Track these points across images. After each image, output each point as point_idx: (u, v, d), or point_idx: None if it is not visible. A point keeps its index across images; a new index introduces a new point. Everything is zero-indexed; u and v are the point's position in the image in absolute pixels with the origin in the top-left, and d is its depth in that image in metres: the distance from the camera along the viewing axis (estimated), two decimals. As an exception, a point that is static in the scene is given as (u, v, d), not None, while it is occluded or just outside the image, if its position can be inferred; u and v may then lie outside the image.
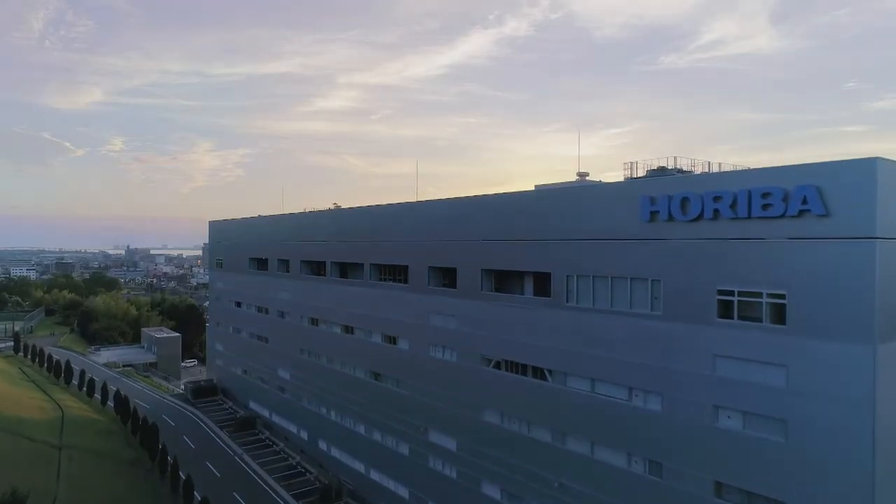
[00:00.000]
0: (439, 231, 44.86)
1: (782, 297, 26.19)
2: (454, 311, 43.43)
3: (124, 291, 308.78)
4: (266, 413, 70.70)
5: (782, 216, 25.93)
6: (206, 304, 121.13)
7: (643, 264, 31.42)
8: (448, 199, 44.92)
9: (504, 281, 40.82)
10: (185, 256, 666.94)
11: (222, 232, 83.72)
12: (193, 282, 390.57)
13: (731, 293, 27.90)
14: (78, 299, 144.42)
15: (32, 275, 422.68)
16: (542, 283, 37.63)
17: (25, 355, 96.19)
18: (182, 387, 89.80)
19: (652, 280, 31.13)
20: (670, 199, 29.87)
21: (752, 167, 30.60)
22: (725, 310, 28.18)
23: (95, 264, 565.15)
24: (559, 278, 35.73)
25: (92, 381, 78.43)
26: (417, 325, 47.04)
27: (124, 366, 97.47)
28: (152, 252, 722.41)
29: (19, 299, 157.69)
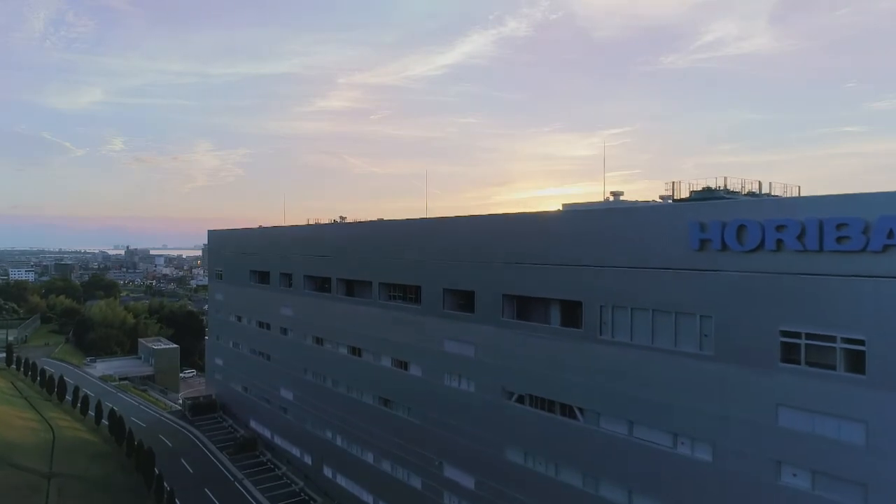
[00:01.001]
0: (456, 251, 41.56)
1: (861, 343, 22.91)
2: (472, 337, 40.17)
3: (123, 294, 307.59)
4: (267, 433, 67.43)
5: (862, 251, 22.63)
6: (206, 307, 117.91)
7: (691, 297, 28.16)
8: (466, 216, 41.68)
9: (527, 308, 37.53)
10: (184, 257, 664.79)
11: (222, 242, 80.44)
12: (193, 283, 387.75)
13: (798, 335, 24.62)
14: (75, 306, 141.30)
15: (31, 276, 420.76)
16: (571, 313, 34.37)
17: (18, 368, 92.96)
18: (180, 401, 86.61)
19: (701, 316, 27.86)
20: (724, 227, 26.59)
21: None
22: (790, 353, 24.92)
23: (95, 265, 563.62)
24: (592, 308, 32.46)
25: (86, 397, 75.17)
26: (431, 350, 43.78)
27: (120, 379, 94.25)
28: (152, 252, 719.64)
29: (15, 306, 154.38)
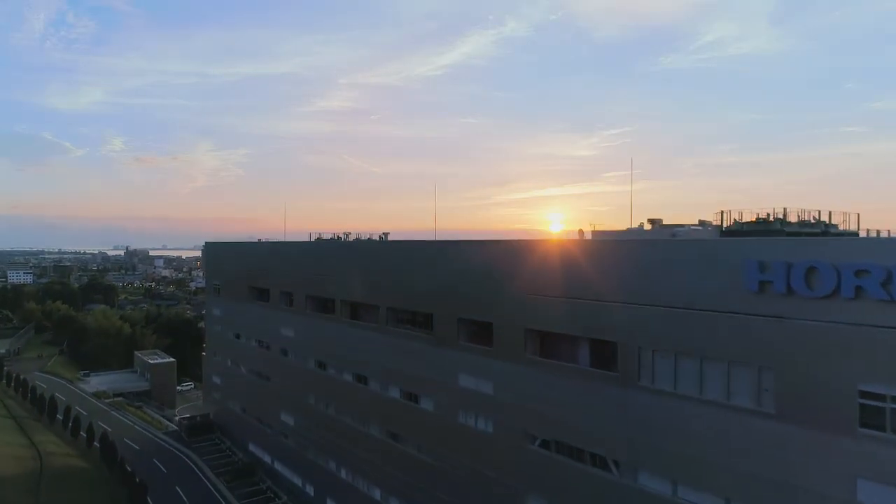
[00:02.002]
0: (473, 278, 38.15)
1: (963, 412, 19.55)
2: (490, 373, 36.77)
3: (122, 297, 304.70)
4: (267, 459, 64.00)
5: (966, 305, 19.26)
6: (205, 312, 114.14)
7: (748, 346, 24.76)
8: (485, 241, 38.34)
9: (553, 344, 34.12)
10: (184, 258, 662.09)
11: (220, 255, 77.12)
12: (192, 286, 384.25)
13: (882, 398, 21.22)
14: (71, 314, 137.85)
15: (30, 278, 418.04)
16: (603, 353, 31.01)
17: (9, 384, 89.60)
18: (176, 417, 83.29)
19: (760, 368, 24.47)
20: (789, 268, 23.18)
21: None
22: (871, 418, 21.51)
23: (94, 266, 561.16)
24: (629, 350, 29.08)
25: (78, 417, 71.90)
26: (444, 383, 40.38)
27: (115, 395, 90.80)
28: (151, 254, 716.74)
29: (9, 313, 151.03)
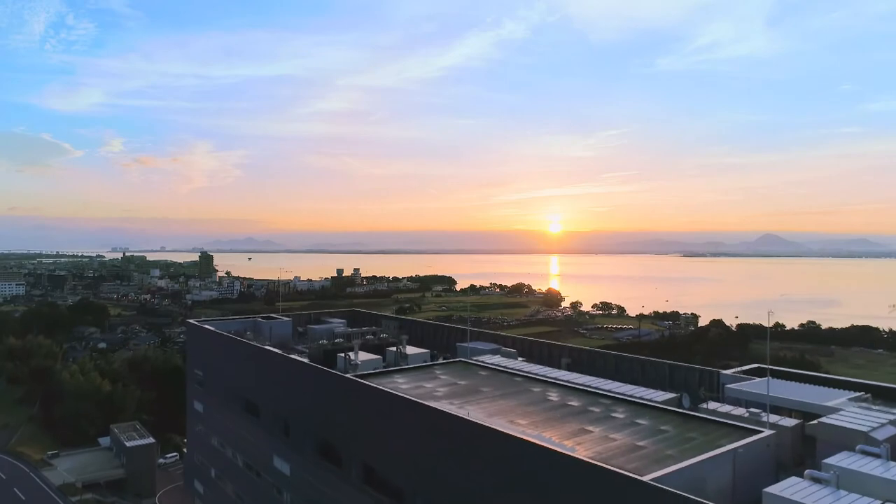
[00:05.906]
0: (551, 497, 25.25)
1: None
2: None
3: (114, 314, 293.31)
4: None
5: None
6: (187, 403, 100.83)
7: None
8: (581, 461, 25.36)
9: None
10: (182, 263, 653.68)
11: (202, 343, 64.24)
12: (189, 299, 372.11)
13: None
14: (48, 365, 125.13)
15: (21, 290, 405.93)
16: None
17: (-41, 477, 77.03)
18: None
19: None
20: None
21: None
22: None
23: (90, 273, 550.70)
24: None
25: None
26: None
27: (84, 486, 77.94)
28: (149, 258, 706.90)
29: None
